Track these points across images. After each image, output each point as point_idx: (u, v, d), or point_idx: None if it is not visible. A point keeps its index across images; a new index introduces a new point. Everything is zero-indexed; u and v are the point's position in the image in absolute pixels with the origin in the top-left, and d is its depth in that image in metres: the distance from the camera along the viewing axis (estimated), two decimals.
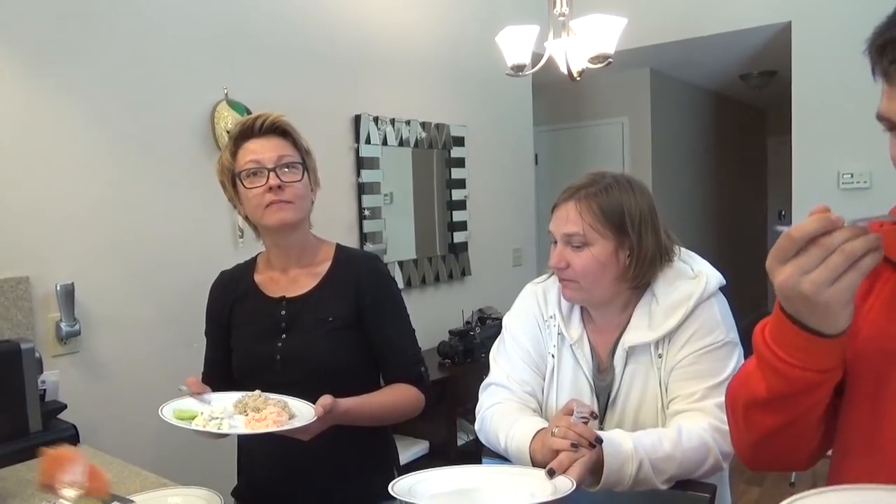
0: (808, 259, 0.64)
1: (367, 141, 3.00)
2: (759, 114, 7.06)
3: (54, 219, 2.01)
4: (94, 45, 2.10)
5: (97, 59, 2.11)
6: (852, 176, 3.44)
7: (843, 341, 0.70)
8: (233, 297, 1.50)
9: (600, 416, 1.28)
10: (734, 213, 6.56)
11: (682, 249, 1.32)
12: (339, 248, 1.49)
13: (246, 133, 1.39)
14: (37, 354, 1.78)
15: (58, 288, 1.95)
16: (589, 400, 1.29)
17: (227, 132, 2.37)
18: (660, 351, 1.24)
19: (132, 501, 1.31)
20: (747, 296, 6.48)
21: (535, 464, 1.14)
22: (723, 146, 6.28)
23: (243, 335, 1.47)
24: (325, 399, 1.20)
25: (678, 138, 5.49)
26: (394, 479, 1.38)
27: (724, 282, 1.29)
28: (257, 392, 1.29)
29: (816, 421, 0.79)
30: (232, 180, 1.41)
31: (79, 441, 1.72)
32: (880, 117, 0.72)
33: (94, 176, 2.10)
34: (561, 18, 2.58)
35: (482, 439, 1.37)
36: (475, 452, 1.40)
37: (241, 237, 2.47)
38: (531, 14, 3.15)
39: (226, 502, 1.31)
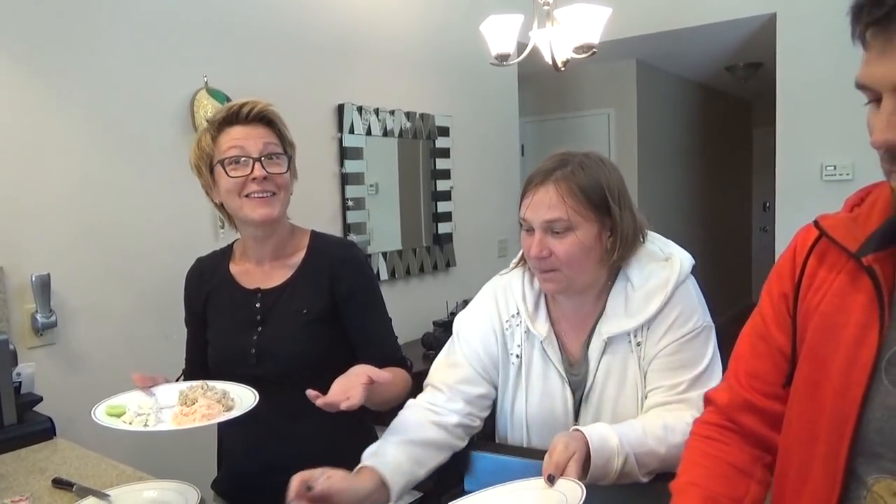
0: None
1: (351, 131, 2.97)
2: (744, 105, 7.09)
3: (30, 208, 1.97)
4: (71, 31, 2.06)
5: (74, 45, 2.07)
6: (835, 168, 3.46)
7: None
8: (208, 287, 1.47)
9: (575, 410, 1.24)
10: (720, 204, 6.59)
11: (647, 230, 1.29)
12: (314, 236, 1.46)
13: (230, 119, 1.34)
14: (11, 346, 1.75)
15: (33, 279, 1.92)
16: (562, 395, 1.25)
17: (207, 120, 2.35)
18: (638, 339, 1.20)
19: (107, 495, 1.30)
20: (732, 287, 6.53)
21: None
22: (709, 137, 6.30)
23: (219, 328, 1.44)
24: (381, 374, 1.15)
25: (664, 129, 5.50)
26: None
27: (694, 262, 1.26)
28: (200, 382, 1.27)
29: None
30: (209, 167, 1.36)
31: (55, 434, 1.70)
32: (858, 85, 0.71)
33: (70, 164, 2.06)
34: (545, 8, 2.56)
35: None
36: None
37: (223, 227, 2.44)
38: (516, 3, 3.13)
39: (203, 495, 1.31)
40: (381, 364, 1.33)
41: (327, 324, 1.38)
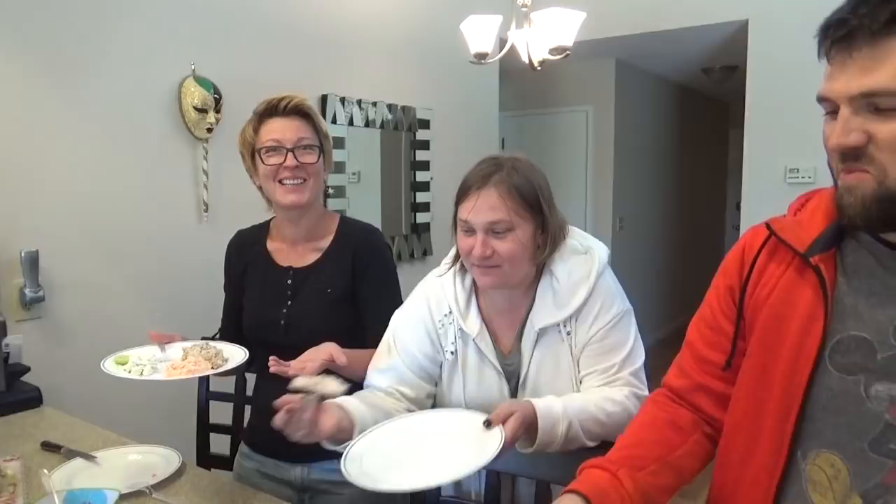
0: None
1: (333, 121, 3.05)
2: (723, 106, 7.24)
3: (21, 188, 2.04)
4: (60, 19, 2.12)
5: (63, 33, 2.13)
6: (798, 171, 3.61)
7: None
8: (246, 259, 1.61)
9: (511, 398, 1.31)
10: (694, 202, 6.75)
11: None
12: (343, 221, 1.59)
13: (270, 111, 1.48)
14: (1, 318, 1.83)
15: (22, 254, 1.99)
16: (499, 386, 1.33)
17: (195, 108, 2.44)
18: (568, 329, 1.29)
19: (94, 457, 1.40)
20: (706, 283, 6.68)
21: None
22: (685, 136, 6.44)
23: (254, 299, 1.58)
24: (341, 357, 1.30)
25: (641, 127, 5.62)
26: None
27: (609, 252, 1.35)
28: (203, 342, 1.38)
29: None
30: (251, 154, 1.51)
31: (42, 403, 1.79)
32: (819, 98, 0.78)
33: (59, 145, 2.13)
34: (524, 9, 2.66)
35: None
36: None
37: (206, 211, 2.53)
38: (496, 2, 3.23)
39: (186, 460, 1.41)
40: (376, 341, 1.43)
41: (349, 304, 1.51)
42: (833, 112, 0.77)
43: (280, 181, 1.46)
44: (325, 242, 1.55)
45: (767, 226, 0.92)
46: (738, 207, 7.36)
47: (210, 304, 1.82)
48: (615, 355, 1.28)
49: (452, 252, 1.38)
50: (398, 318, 1.41)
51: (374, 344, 1.43)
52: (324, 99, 3.02)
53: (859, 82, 0.73)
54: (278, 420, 1.11)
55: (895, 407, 0.78)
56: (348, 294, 1.51)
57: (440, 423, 1.21)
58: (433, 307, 1.37)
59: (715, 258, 8.33)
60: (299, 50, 2.91)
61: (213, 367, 1.30)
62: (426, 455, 1.11)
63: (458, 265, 1.37)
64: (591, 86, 5.18)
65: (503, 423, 1.10)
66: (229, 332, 1.63)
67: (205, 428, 1.88)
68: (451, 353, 1.35)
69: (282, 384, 1.48)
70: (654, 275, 5.87)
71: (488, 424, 1.11)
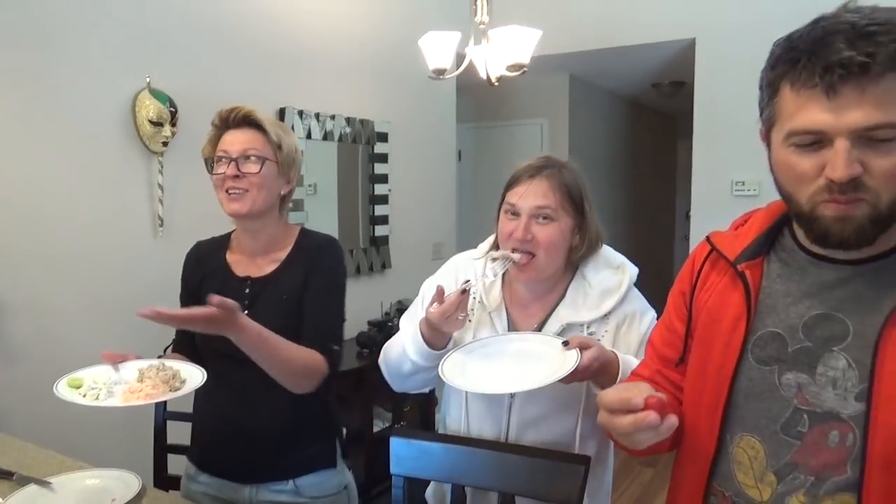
0: (608, 424, 0.91)
1: None
2: (670, 120, 7.47)
3: None
4: (11, 28, 2.06)
5: (13, 42, 2.07)
6: (743, 184, 3.75)
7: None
8: (204, 270, 1.58)
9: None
10: (646, 212, 6.92)
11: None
12: (302, 233, 1.58)
13: (224, 123, 1.50)
14: None
15: None
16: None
17: (150, 121, 2.40)
18: (591, 329, 1.37)
19: (49, 483, 1.36)
20: (656, 292, 6.86)
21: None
22: (636, 149, 6.62)
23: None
24: (229, 302, 1.23)
25: (595, 140, 5.76)
26: (336, 448, 1.52)
27: (638, 271, 1.46)
28: (159, 362, 1.36)
29: (660, 446, 1.02)
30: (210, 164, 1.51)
31: None
32: (806, 131, 0.82)
33: (7, 160, 2.07)
34: (482, 26, 2.71)
35: (383, 367, 1.50)
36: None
37: (161, 226, 2.48)
38: (456, 18, 3.27)
39: (143, 482, 1.38)
40: (307, 342, 1.43)
41: (301, 304, 1.49)
42: (815, 144, 0.81)
43: (226, 191, 1.47)
44: (284, 254, 1.54)
45: (708, 239, 1.05)
46: (687, 217, 7.62)
47: None
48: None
49: (490, 239, 1.47)
50: (427, 282, 1.52)
51: (306, 343, 1.42)
52: (282, 112, 3.01)
53: (870, 116, 0.77)
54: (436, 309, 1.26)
55: (801, 394, 0.89)
56: (301, 294, 1.51)
57: (524, 343, 1.32)
58: (460, 275, 1.46)
59: (666, 267, 8.55)
60: (257, 63, 2.89)
61: (171, 390, 1.28)
62: (509, 368, 1.25)
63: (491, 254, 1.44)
64: (546, 99, 5.28)
65: (582, 349, 1.20)
66: (182, 344, 1.59)
67: (163, 449, 1.85)
68: (469, 319, 1.39)
69: (230, 397, 1.48)
70: None
71: (566, 344, 1.22)
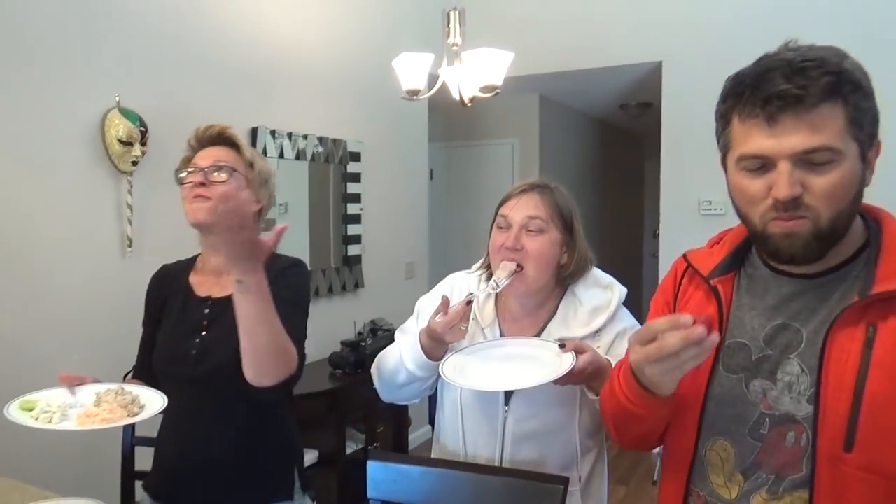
0: (653, 352, 0.89)
1: (264, 153, 3.02)
2: (637, 140, 7.62)
3: None
4: None
5: None
6: (710, 203, 3.83)
7: (669, 397, 0.98)
8: (166, 292, 1.54)
9: (508, 395, 1.39)
10: (614, 231, 7.02)
11: None
12: (270, 256, 1.54)
13: (199, 142, 1.49)
14: None
15: None
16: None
17: (119, 140, 2.36)
18: None
19: None
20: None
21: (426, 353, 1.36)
22: (605, 168, 6.73)
23: (167, 331, 1.51)
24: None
25: (564, 159, 5.84)
26: (294, 479, 1.47)
27: (626, 291, 1.50)
28: (117, 386, 1.33)
29: (656, 424, 1.07)
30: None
31: None
32: (752, 156, 0.90)
33: None
34: (454, 48, 2.74)
35: (376, 377, 1.50)
36: (363, 461, 1.47)
37: (130, 247, 2.44)
38: (429, 39, 3.30)
39: None
40: None
41: None
42: (762, 168, 0.90)
43: (192, 199, 1.44)
44: None
45: (685, 257, 1.13)
46: (655, 236, 7.75)
47: (134, 344, 1.75)
48: None
49: (484, 259, 1.53)
50: (423, 299, 1.57)
51: None
52: (254, 131, 2.99)
53: (807, 141, 0.85)
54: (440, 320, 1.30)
55: (766, 399, 0.95)
56: None
57: (522, 346, 1.37)
58: (455, 292, 1.50)
59: (635, 284, 8.65)
60: (229, 82, 2.88)
61: (129, 415, 1.25)
62: (507, 369, 1.30)
63: (487, 271, 1.49)
64: (516, 120, 5.35)
65: (577, 353, 1.25)
66: (145, 369, 1.54)
67: (130, 477, 1.80)
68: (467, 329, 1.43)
69: (187, 425, 1.44)
70: None
71: (562, 347, 1.27)
